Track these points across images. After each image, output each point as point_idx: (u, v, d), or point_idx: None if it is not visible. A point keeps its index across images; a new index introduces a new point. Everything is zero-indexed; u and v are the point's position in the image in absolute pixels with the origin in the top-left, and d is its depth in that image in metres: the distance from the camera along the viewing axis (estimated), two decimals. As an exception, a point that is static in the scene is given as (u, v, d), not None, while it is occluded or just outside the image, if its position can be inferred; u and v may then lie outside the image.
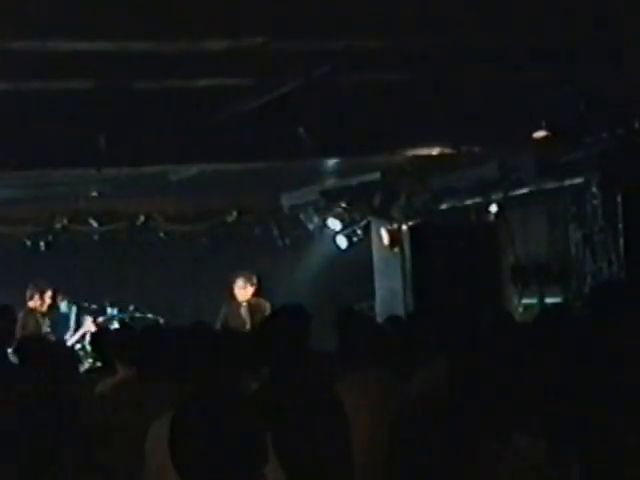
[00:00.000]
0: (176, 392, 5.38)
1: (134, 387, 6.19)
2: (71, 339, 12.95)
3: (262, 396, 5.01)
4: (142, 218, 14.83)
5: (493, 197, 12.57)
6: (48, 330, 12.30)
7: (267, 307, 12.74)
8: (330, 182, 14.05)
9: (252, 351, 6.56)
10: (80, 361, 10.68)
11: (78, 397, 5.99)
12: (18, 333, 9.42)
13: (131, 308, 13.77)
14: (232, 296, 12.90)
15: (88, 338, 12.35)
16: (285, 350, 5.19)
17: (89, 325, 13.01)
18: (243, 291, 12.89)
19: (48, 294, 12.66)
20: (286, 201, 15.29)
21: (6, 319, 7.43)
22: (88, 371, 9.41)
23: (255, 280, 12.95)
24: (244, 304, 12.83)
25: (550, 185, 11.61)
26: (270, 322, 5.60)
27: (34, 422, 5.68)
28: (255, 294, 12.93)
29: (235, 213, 15.16)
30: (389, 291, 13.88)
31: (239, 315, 12.63)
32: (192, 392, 4.38)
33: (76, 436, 5.66)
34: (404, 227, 13.62)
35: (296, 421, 4.96)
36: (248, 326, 12.43)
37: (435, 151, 11.10)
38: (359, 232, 14.75)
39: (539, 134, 9.87)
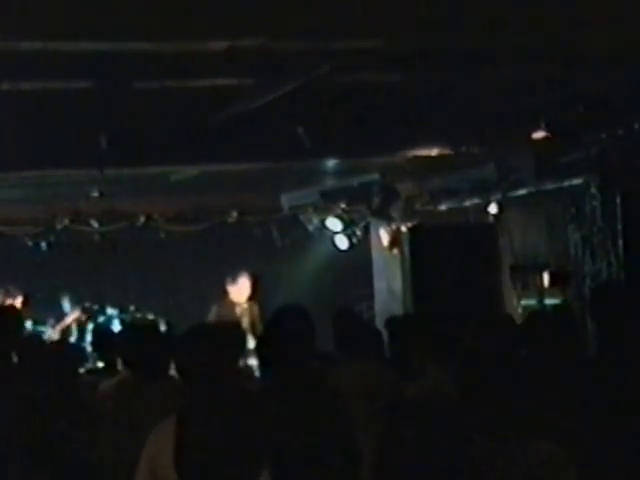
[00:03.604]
0: (178, 393, 5.40)
1: (136, 388, 6.19)
2: (55, 329, 12.81)
3: (263, 397, 5.02)
4: (142, 218, 14.85)
5: (492, 198, 12.59)
6: None
7: (256, 309, 12.76)
8: (330, 183, 14.06)
9: (255, 351, 6.55)
10: (81, 361, 10.67)
11: (79, 397, 6.00)
12: None
13: (131, 308, 13.77)
14: (226, 296, 12.89)
15: (75, 329, 12.32)
16: (286, 350, 5.19)
17: (75, 314, 12.85)
18: (242, 291, 12.88)
19: (19, 300, 12.51)
20: (286, 201, 15.31)
21: (12, 319, 7.41)
22: (89, 371, 9.41)
23: (253, 280, 12.95)
24: (240, 305, 12.81)
25: (549, 186, 11.63)
26: (271, 322, 5.60)
27: (34, 422, 5.69)
28: (253, 294, 12.93)
29: (235, 213, 15.18)
30: (388, 292, 13.90)
31: (234, 316, 12.61)
32: (194, 395, 4.39)
33: (77, 436, 5.67)
34: (403, 228, 13.64)
35: (296, 420, 4.97)
36: (245, 327, 12.43)
37: (434, 152, 11.11)
38: (358, 233, 14.79)
39: (538, 134, 9.87)
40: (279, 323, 5.41)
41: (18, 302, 12.40)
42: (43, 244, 14.65)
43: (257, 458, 3.38)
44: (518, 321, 7.10)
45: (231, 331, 5.84)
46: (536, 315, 6.82)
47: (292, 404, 4.98)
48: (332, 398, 5.34)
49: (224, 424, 3.30)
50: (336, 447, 5.16)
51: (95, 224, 14.69)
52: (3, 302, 12.30)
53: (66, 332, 12.89)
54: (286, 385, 5.08)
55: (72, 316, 12.92)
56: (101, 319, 13.59)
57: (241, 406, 3.45)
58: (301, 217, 15.26)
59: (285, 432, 4.59)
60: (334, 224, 14.87)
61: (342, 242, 15.03)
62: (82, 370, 8.69)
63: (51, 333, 12.53)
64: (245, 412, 3.40)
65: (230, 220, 15.23)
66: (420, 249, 13.43)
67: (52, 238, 14.67)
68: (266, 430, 3.49)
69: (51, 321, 13.15)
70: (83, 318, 12.71)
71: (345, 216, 14.76)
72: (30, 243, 14.62)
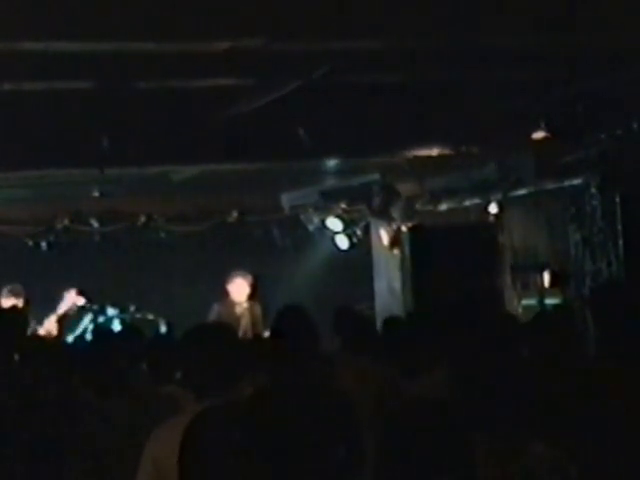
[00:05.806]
0: (179, 394, 5.40)
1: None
2: (52, 317, 12.52)
3: (263, 400, 4.99)
4: (143, 218, 14.85)
5: (492, 198, 12.59)
6: None
7: (258, 309, 12.75)
8: (330, 182, 14.07)
9: (259, 354, 6.53)
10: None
11: (78, 396, 5.99)
12: None
13: (132, 308, 13.75)
14: (226, 295, 12.89)
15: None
16: (290, 352, 5.17)
17: (73, 298, 12.47)
18: (240, 291, 12.87)
19: (21, 300, 12.36)
20: (286, 201, 15.31)
21: (18, 321, 7.40)
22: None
23: (252, 280, 12.94)
24: (240, 304, 12.81)
25: (549, 186, 11.63)
26: (276, 324, 5.56)
27: (35, 422, 5.69)
28: (252, 294, 12.92)
29: (235, 213, 15.18)
30: (389, 291, 13.89)
31: (234, 315, 12.60)
32: (203, 401, 4.37)
33: (77, 436, 5.67)
34: (404, 228, 13.63)
35: (300, 424, 4.94)
36: (245, 326, 12.43)
37: (434, 152, 11.12)
38: (359, 233, 14.78)
39: (538, 135, 9.88)
40: (281, 325, 5.39)
41: (21, 302, 12.32)
42: (43, 244, 14.65)
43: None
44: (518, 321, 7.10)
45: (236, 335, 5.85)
46: (536, 315, 6.82)
47: (295, 405, 4.96)
48: (336, 399, 5.32)
49: (229, 430, 3.29)
50: (341, 448, 5.14)
51: (95, 224, 14.70)
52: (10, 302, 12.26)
53: (63, 322, 12.49)
54: (289, 386, 5.06)
55: (68, 301, 12.49)
56: (101, 319, 13.58)
57: (243, 410, 3.43)
58: (301, 217, 15.26)
59: (288, 434, 4.57)
60: (334, 224, 14.86)
61: (342, 242, 15.03)
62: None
63: (47, 323, 12.28)
64: (249, 416, 3.39)
65: (230, 220, 15.23)
66: (420, 249, 13.42)
67: (52, 238, 14.68)
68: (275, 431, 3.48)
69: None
70: (80, 304, 12.43)
71: (345, 216, 14.76)
72: (30, 243, 14.62)
